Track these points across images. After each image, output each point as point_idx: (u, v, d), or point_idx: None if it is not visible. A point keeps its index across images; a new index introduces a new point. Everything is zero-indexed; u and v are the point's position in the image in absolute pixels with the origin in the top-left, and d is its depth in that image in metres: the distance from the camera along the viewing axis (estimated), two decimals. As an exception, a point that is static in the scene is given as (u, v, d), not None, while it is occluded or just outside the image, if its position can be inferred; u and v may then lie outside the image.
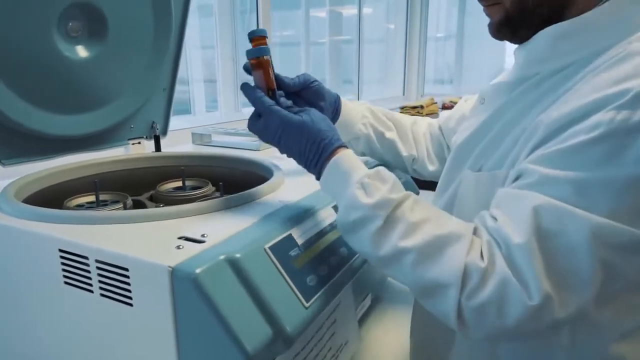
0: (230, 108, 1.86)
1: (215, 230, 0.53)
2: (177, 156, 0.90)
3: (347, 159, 0.54)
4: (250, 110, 0.61)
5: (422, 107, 1.98)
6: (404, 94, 2.94)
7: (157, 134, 0.95)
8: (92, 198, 0.75)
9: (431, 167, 0.83)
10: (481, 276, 0.45)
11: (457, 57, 3.00)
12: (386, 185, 0.51)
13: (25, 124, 0.71)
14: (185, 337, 0.45)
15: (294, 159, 0.58)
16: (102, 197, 0.76)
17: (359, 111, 0.80)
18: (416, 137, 0.83)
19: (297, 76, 0.71)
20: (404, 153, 0.80)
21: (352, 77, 2.63)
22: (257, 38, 0.61)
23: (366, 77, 2.82)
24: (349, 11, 2.57)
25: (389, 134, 0.80)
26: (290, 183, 0.75)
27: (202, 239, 0.50)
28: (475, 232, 0.49)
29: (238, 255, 0.47)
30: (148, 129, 0.94)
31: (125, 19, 0.80)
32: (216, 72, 1.82)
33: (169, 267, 0.44)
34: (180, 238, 0.50)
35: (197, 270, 0.43)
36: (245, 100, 0.59)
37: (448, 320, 0.47)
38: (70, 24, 0.73)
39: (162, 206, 0.76)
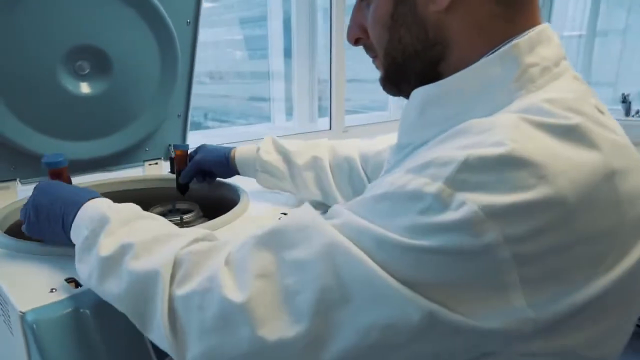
0: (304, 119, 1.91)
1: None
2: (167, 179, 0.97)
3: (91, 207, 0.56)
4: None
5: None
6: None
7: (172, 156, 1.03)
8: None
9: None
10: (193, 264, 0.44)
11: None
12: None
13: (41, 151, 0.85)
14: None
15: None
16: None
17: (251, 162, 0.85)
18: (322, 175, 0.80)
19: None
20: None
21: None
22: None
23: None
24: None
25: (283, 184, 0.84)
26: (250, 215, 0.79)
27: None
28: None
29: (90, 306, 0.50)
30: (164, 151, 1.03)
31: (130, 56, 0.88)
32: (292, 85, 1.88)
33: (20, 312, 0.49)
34: (67, 279, 0.56)
35: (38, 321, 0.48)
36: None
37: (161, 326, 0.44)
38: (78, 63, 0.85)
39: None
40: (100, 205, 0.55)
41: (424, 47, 0.46)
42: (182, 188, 0.91)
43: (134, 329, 0.52)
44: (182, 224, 0.85)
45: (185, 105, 1.02)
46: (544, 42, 0.43)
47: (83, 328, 0.50)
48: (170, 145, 1.03)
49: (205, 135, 1.75)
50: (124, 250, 0.48)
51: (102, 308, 0.51)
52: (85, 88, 0.86)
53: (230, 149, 0.88)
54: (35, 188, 0.62)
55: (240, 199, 0.83)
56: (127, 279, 0.47)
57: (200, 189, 0.93)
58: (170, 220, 0.82)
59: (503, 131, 0.36)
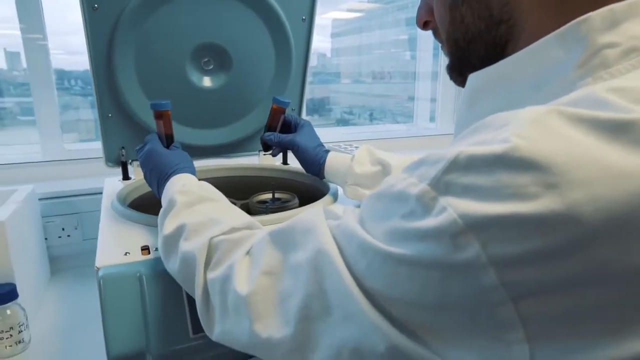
0: (448, 120, 1.80)
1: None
2: (272, 169, 1.01)
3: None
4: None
5: None
6: None
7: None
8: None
9: None
10: (224, 252, 0.47)
11: None
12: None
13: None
14: (102, 320, 0.58)
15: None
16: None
17: (341, 173, 0.82)
18: None
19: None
20: None
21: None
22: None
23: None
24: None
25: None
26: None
27: (154, 251, 0.62)
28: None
29: (147, 273, 0.57)
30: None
31: (247, 53, 0.96)
32: (437, 85, 1.79)
33: (97, 267, 0.58)
34: (142, 247, 0.63)
35: (104, 276, 0.56)
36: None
37: (198, 302, 0.48)
38: (205, 59, 0.95)
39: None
40: (175, 186, 0.61)
41: (487, 27, 0.39)
42: (266, 145, 0.91)
43: (178, 301, 0.57)
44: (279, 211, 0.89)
45: (299, 100, 1.05)
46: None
47: (138, 291, 0.56)
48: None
49: (340, 133, 1.80)
50: (179, 232, 0.53)
51: (157, 277, 0.57)
52: (207, 82, 0.96)
53: (327, 151, 0.86)
54: (139, 157, 0.73)
55: (329, 192, 0.85)
56: (180, 257, 0.52)
57: (296, 182, 0.96)
58: (270, 208, 0.89)
59: (518, 125, 0.28)
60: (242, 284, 0.43)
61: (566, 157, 0.26)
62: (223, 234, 0.49)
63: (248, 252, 0.46)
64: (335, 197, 0.85)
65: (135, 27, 0.85)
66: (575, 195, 0.25)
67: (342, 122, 2.22)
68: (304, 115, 1.12)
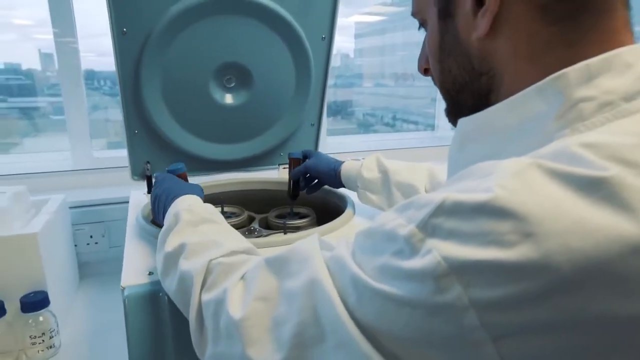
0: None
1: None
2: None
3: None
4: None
5: None
6: None
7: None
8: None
9: None
10: (219, 274, 0.49)
11: None
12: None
13: (194, 151, 1.01)
14: (127, 337, 0.62)
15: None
16: (227, 209, 1.00)
17: (353, 178, 0.88)
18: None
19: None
20: None
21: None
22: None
23: None
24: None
25: (379, 202, 0.85)
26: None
27: (174, 270, 0.65)
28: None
29: (166, 295, 0.60)
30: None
31: (268, 72, 0.98)
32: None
33: (122, 286, 0.61)
34: (165, 266, 0.67)
35: (129, 296, 0.59)
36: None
37: (192, 323, 0.49)
38: (227, 77, 0.98)
39: (253, 228, 0.93)
40: (182, 204, 0.62)
41: (471, 79, 0.42)
42: (293, 194, 0.99)
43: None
44: (297, 229, 0.92)
45: (318, 115, 1.08)
46: (616, 70, 0.34)
47: (158, 310, 0.59)
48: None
49: (356, 140, 1.81)
50: (180, 250, 0.55)
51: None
52: (229, 99, 0.99)
53: (340, 162, 0.92)
54: (155, 179, 0.76)
55: (346, 209, 0.87)
56: (178, 276, 0.54)
57: (312, 196, 0.99)
58: (288, 223, 0.92)
59: (500, 176, 0.30)
60: (235, 308, 0.44)
61: (542, 209, 0.28)
62: (222, 256, 0.51)
63: (242, 277, 0.48)
64: (354, 211, 0.87)
65: (161, 49, 0.88)
66: (549, 245, 0.27)
67: (364, 125, 2.23)
68: (324, 119, 1.16)
